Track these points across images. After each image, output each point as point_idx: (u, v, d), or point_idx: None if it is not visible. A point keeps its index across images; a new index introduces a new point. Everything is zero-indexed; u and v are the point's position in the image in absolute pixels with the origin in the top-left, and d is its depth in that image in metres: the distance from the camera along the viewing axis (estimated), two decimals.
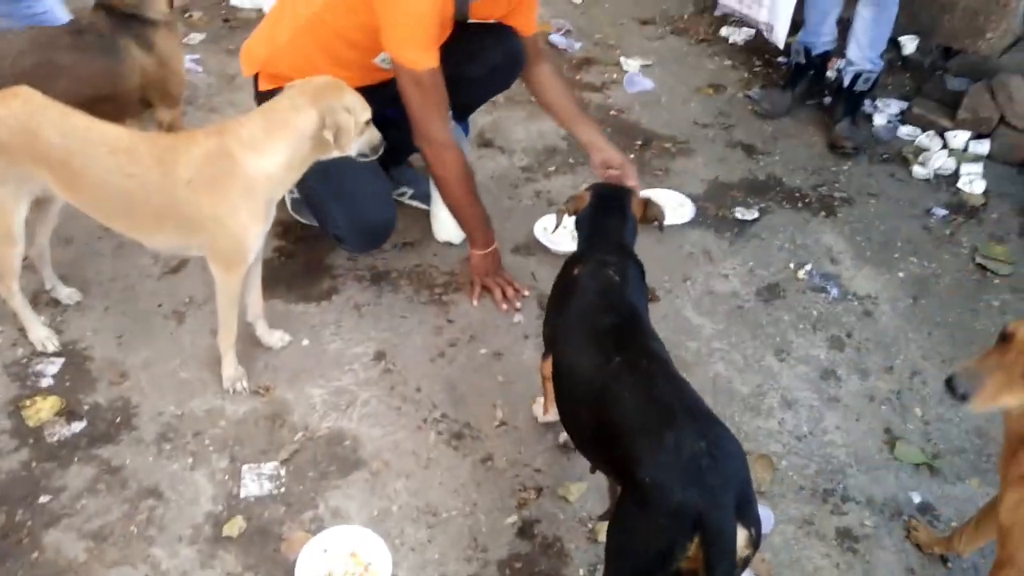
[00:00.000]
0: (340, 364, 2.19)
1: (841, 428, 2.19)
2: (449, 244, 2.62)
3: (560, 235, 2.16)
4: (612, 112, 3.37)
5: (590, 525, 1.89)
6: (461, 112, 2.52)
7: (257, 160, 1.79)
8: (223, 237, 1.84)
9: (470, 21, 2.23)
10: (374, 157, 1.96)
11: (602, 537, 1.79)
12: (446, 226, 2.60)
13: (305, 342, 2.24)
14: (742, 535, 1.30)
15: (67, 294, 2.24)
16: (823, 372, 2.35)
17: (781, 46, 3.33)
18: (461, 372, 2.22)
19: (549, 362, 1.72)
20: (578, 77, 3.56)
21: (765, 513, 1.91)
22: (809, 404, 2.24)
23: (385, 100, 2.46)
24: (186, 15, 3.69)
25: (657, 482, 1.30)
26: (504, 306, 2.37)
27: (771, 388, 2.28)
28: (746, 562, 1.33)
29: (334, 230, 2.32)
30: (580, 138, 2.42)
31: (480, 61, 2.33)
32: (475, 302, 2.38)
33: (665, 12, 4.11)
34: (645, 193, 2.53)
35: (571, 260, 1.77)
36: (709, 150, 3.20)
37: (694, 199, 2.88)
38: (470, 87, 2.35)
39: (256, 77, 2.27)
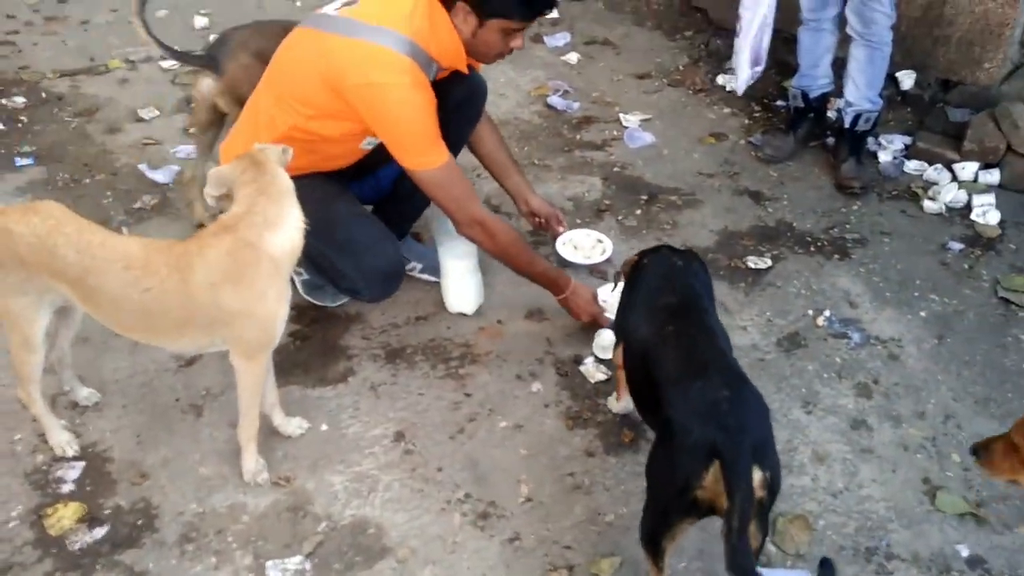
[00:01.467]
0: (360, 448, 2.16)
1: (877, 481, 2.12)
2: (462, 315, 2.60)
3: (615, 300, 2.22)
4: (615, 169, 3.37)
5: None
6: None
7: (277, 239, 1.81)
8: (251, 328, 1.85)
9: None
10: None
11: None
12: (457, 297, 2.59)
13: (324, 427, 2.21)
14: (757, 475, 1.45)
15: (85, 395, 2.24)
16: (853, 422, 2.29)
17: (739, 93, 3.44)
18: (482, 448, 2.18)
19: (621, 349, 1.95)
20: (578, 136, 3.58)
21: None
22: (842, 457, 2.18)
23: (377, 179, 2.52)
24: (191, 105, 3.76)
25: (679, 419, 1.53)
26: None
27: (801, 443, 2.22)
28: (762, 506, 1.48)
29: (346, 284, 2.34)
30: (508, 188, 2.62)
31: (444, 102, 2.34)
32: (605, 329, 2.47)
33: (660, 65, 4.14)
34: (565, 236, 2.81)
35: (642, 253, 2.02)
36: (716, 200, 3.19)
37: (704, 251, 2.86)
38: (443, 130, 2.37)
39: None
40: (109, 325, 1.92)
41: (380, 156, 2.49)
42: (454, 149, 2.52)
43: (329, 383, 2.36)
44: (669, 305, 1.79)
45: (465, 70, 2.28)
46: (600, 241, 2.85)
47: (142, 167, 3.26)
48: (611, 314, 2.49)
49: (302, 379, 2.37)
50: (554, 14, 4.45)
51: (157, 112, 3.70)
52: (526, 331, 2.57)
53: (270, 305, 1.84)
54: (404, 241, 2.70)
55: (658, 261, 1.95)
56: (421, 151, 2.12)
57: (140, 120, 3.65)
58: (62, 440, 2.09)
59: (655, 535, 1.61)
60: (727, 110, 3.77)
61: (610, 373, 2.39)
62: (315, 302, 2.62)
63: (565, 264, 2.72)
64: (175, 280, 1.78)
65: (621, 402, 2.24)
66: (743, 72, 3.27)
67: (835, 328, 2.60)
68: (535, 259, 2.40)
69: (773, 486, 1.50)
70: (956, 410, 2.32)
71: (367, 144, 2.27)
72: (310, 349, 2.48)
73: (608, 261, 2.79)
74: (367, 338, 2.53)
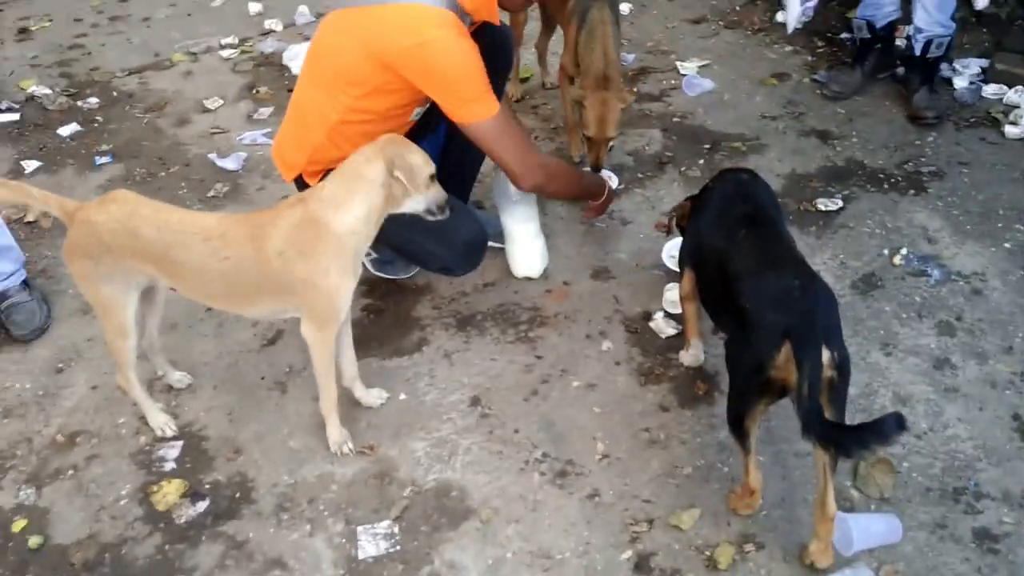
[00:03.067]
0: (438, 414, 2.22)
1: (964, 420, 2.06)
2: (528, 279, 2.62)
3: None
4: (675, 119, 3.31)
5: (707, 552, 1.84)
6: None
7: (342, 217, 1.88)
8: (317, 298, 1.93)
9: None
10: (441, 217, 2.00)
11: (722, 562, 1.80)
12: (523, 261, 2.61)
13: (402, 396, 2.28)
14: (826, 354, 1.56)
15: (178, 378, 2.36)
16: (936, 361, 2.23)
17: (788, 32, 3.31)
18: (557, 408, 2.21)
19: (686, 280, 2.12)
20: (636, 88, 3.52)
21: (892, 522, 1.82)
22: (925, 398, 2.13)
23: (437, 136, 2.54)
24: (253, 91, 3.86)
25: (754, 307, 1.67)
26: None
27: (881, 385, 2.18)
28: (833, 385, 1.58)
29: (437, 264, 2.39)
30: None
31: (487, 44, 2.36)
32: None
33: (715, 8, 4.03)
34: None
35: (704, 186, 2.18)
36: (781, 143, 3.10)
37: None
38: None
39: (299, 178, 2.34)
40: (193, 295, 2.02)
41: (434, 116, 2.50)
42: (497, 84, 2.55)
43: (405, 353, 2.42)
44: (742, 214, 1.91)
45: (496, 20, 2.27)
46: (610, 177, 2.87)
47: (212, 156, 3.37)
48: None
49: (378, 351, 2.44)
50: None
51: (221, 101, 3.80)
52: (592, 291, 2.57)
53: (332, 279, 1.91)
54: (466, 207, 2.71)
55: (726, 180, 2.11)
56: (476, 100, 2.07)
57: (206, 111, 3.75)
58: (160, 421, 2.22)
59: (738, 418, 1.73)
60: (788, 48, 3.66)
61: (680, 327, 2.37)
62: (386, 276, 2.67)
63: (624, 270, 2.65)
64: (250, 248, 1.87)
65: (691, 351, 2.25)
66: (794, 8, 3.15)
67: (913, 266, 2.52)
68: (582, 179, 2.52)
69: (843, 367, 1.60)
70: None
71: (416, 116, 2.29)
72: (384, 322, 2.54)
73: (616, 192, 2.85)
74: (437, 308, 2.57)
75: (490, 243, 2.68)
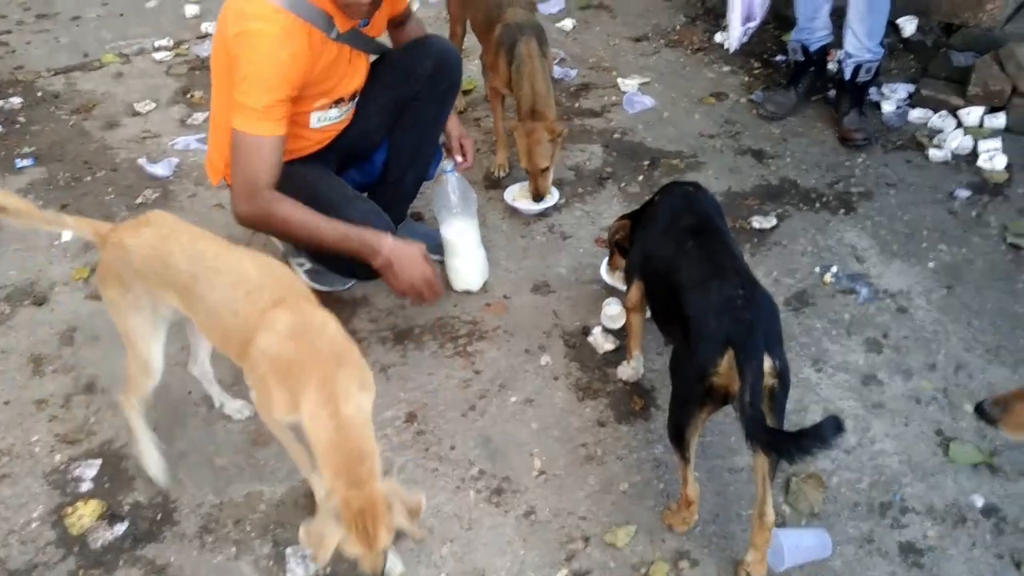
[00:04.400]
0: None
1: (890, 435, 2.11)
2: (468, 292, 2.59)
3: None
4: (615, 135, 3.33)
5: (642, 570, 1.83)
6: (430, 133, 2.52)
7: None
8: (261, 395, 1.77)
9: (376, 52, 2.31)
10: None
11: None
12: (462, 275, 2.58)
13: None
14: (768, 362, 1.58)
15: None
16: (864, 378, 2.27)
17: (732, 51, 3.41)
18: (494, 424, 2.18)
19: (633, 291, 2.10)
20: (577, 104, 3.53)
21: (822, 537, 1.84)
22: (853, 414, 2.17)
23: (372, 164, 2.52)
24: (187, 95, 3.74)
25: (698, 315, 1.68)
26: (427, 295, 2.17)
27: (812, 401, 2.21)
28: (774, 395, 1.60)
29: (344, 265, 2.30)
30: None
31: (412, 75, 2.38)
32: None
33: (657, 26, 4.07)
34: (512, 188, 2.89)
35: (649, 199, 2.18)
36: (719, 161, 3.14)
37: None
38: (420, 104, 2.41)
39: (226, 180, 2.30)
40: (205, 333, 1.86)
41: (368, 141, 2.51)
42: (429, 130, 2.51)
43: None
44: (689, 225, 1.92)
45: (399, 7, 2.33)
46: (550, 193, 2.85)
47: (141, 161, 3.25)
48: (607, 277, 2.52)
49: None
50: None
51: (153, 104, 3.68)
52: (532, 305, 2.56)
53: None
54: (404, 223, 2.68)
55: (673, 192, 2.12)
56: (243, 106, 1.93)
57: (137, 114, 3.63)
58: (154, 468, 2.00)
59: (679, 427, 1.73)
60: (726, 68, 3.71)
61: (619, 342, 2.37)
62: (321, 288, 2.61)
63: (564, 284, 2.61)
64: (255, 324, 1.66)
65: (632, 363, 2.25)
66: (735, 29, 3.22)
67: (843, 284, 2.57)
68: (325, 230, 2.06)
69: (783, 376, 1.61)
70: (967, 360, 2.30)
71: (319, 121, 2.23)
72: None
73: (556, 208, 2.82)
74: (374, 320, 2.52)
75: (433, 256, 2.67)
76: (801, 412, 2.18)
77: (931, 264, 2.62)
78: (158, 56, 4.07)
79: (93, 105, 3.68)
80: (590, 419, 2.19)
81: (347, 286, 2.59)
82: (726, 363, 1.59)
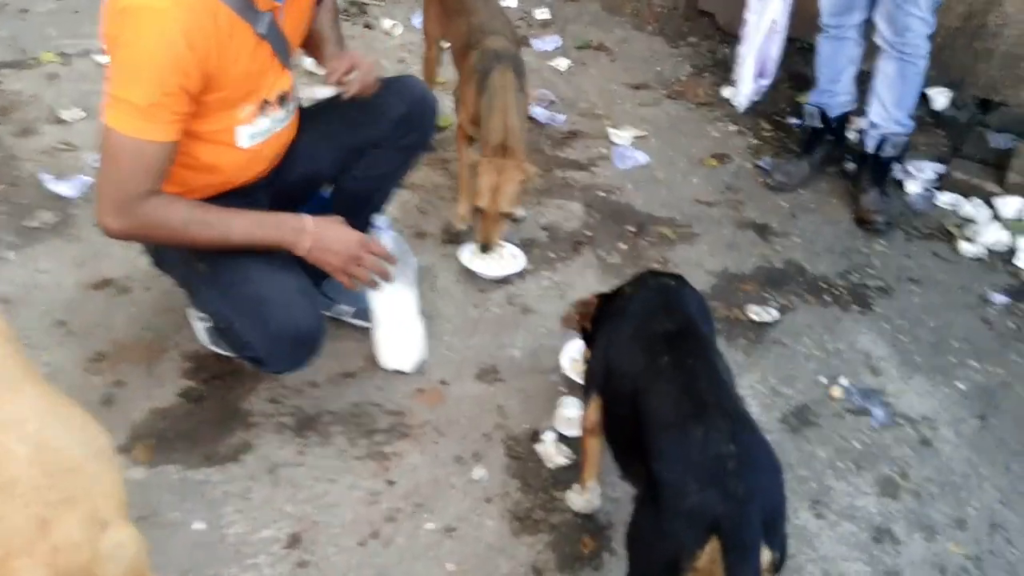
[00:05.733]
0: (241, 556, 1.68)
1: None
2: (398, 372, 2.14)
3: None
4: (600, 193, 2.91)
5: None
6: (384, 188, 2.15)
7: None
8: None
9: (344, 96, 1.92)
10: None
11: None
12: (393, 351, 2.13)
13: (197, 525, 1.73)
14: (766, 556, 1.20)
15: None
16: (875, 532, 1.81)
17: (740, 110, 3.10)
18: (399, 560, 1.70)
19: (592, 410, 1.63)
20: (561, 154, 3.12)
21: None
22: None
23: (285, 202, 2.07)
24: None
25: (672, 477, 1.24)
26: (379, 280, 1.86)
27: (808, 559, 1.74)
28: None
29: (248, 352, 1.86)
30: (319, 58, 2.02)
31: (380, 117, 2.01)
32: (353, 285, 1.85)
33: (660, 75, 3.68)
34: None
35: (620, 287, 1.75)
36: (716, 234, 2.73)
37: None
38: (380, 151, 2.02)
39: None
40: None
41: (312, 185, 2.12)
42: (384, 183, 2.15)
43: (218, 462, 1.89)
44: (665, 333, 1.52)
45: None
46: (514, 257, 2.49)
47: (46, 177, 2.79)
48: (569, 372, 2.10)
49: (184, 455, 1.89)
50: (545, 15, 4.05)
51: (83, 114, 3.23)
52: (475, 395, 2.10)
53: None
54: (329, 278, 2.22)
55: (647, 286, 1.71)
56: (115, 100, 1.55)
57: (60, 122, 3.18)
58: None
59: None
60: (732, 128, 3.31)
61: (574, 456, 1.91)
62: (220, 352, 2.14)
63: (515, 374, 2.18)
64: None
65: (585, 493, 1.79)
66: (745, 85, 2.92)
67: (854, 401, 2.12)
68: (232, 223, 1.70)
69: (780, 566, 1.25)
70: (1005, 518, 1.84)
71: (250, 139, 1.81)
72: (202, 414, 2.00)
73: (520, 275, 2.45)
74: (276, 401, 2.05)
75: (359, 323, 2.24)
76: (796, 572, 1.70)
77: (961, 385, 2.18)
78: (103, 59, 3.63)
79: (13, 107, 3.22)
80: (524, 562, 1.71)
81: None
82: (707, 556, 1.17)
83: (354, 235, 1.80)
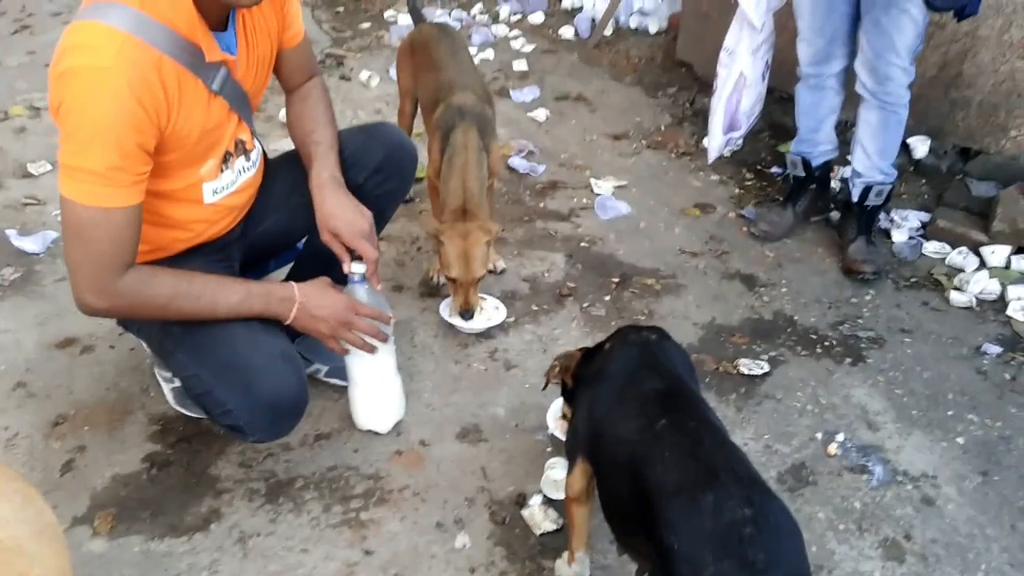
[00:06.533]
0: None
1: None
2: (375, 434, 2.04)
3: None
4: (583, 243, 2.86)
5: None
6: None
7: None
8: None
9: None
10: None
11: None
12: (369, 411, 2.04)
13: None
14: None
15: None
16: None
17: (709, 161, 3.10)
18: None
19: (577, 475, 1.55)
20: (541, 204, 3.09)
21: None
22: None
23: (259, 256, 2.06)
24: None
25: (686, 549, 1.17)
26: (372, 341, 1.84)
27: None
28: None
29: (227, 420, 1.75)
30: (306, 162, 1.91)
31: (357, 166, 1.96)
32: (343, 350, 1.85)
33: (639, 125, 3.68)
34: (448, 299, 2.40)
35: (601, 342, 1.66)
36: (701, 284, 2.67)
37: (687, 350, 2.30)
38: (365, 195, 1.93)
39: None
40: None
41: (284, 240, 2.08)
42: (384, 214, 2.11)
43: (184, 532, 1.77)
44: (655, 391, 1.46)
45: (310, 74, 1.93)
46: (496, 309, 2.45)
47: (10, 232, 2.70)
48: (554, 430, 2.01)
49: (148, 525, 1.78)
50: (523, 66, 4.07)
51: (50, 167, 3.16)
52: (456, 457, 2.01)
53: None
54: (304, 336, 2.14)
55: (628, 342, 1.62)
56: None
57: (28, 175, 3.12)
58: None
59: None
60: (714, 177, 3.29)
61: (562, 522, 1.81)
62: (188, 414, 2.05)
63: (499, 432, 2.10)
64: None
65: (574, 565, 1.68)
66: (715, 138, 2.90)
67: (851, 459, 2.04)
68: (218, 297, 1.65)
69: None
70: None
71: (213, 194, 1.74)
72: (169, 480, 1.90)
73: (503, 328, 2.41)
74: (247, 465, 1.95)
75: (333, 381, 2.17)
76: None
77: (960, 439, 2.11)
78: None
79: None
80: None
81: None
82: None
83: (341, 299, 1.77)
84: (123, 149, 1.46)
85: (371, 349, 1.85)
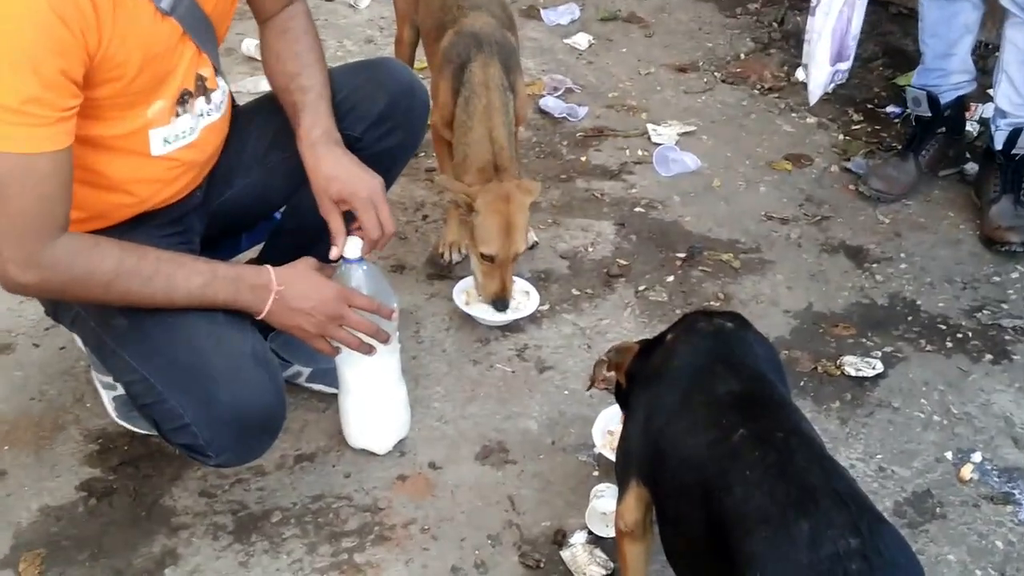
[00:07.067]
0: None
1: None
2: (370, 454, 2.14)
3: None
4: (638, 208, 2.97)
5: None
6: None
7: None
8: None
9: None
10: None
11: None
12: (363, 427, 2.13)
13: None
14: None
15: None
16: None
17: (810, 102, 3.19)
18: None
19: (630, 504, 1.65)
20: (583, 158, 3.20)
21: None
22: None
23: (228, 228, 2.16)
24: None
25: None
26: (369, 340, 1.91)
27: None
28: None
29: (183, 438, 1.82)
30: (303, 138, 1.94)
31: (353, 116, 2.04)
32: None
33: (711, 53, 3.83)
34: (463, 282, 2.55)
35: (662, 333, 1.75)
36: (794, 260, 2.78)
37: (777, 342, 2.39)
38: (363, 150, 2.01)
39: None
40: None
41: (262, 207, 2.17)
42: (388, 174, 2.14)
43: None
44: (731, 396, 1.51)
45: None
46: (526, 295, 2.55)
47: None
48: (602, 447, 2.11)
49: (88, 571, 1.89)
50: None
51: None
52: (476, 483, 2.10)
53: None
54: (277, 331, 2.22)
55: (695, 330, 1.69)
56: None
57: None
58: None
59: None
60: (811, 120, 3.41)
61: (613, 566, 1.90)
62: (134, 429, 2.15)
63: (528, 453, 2.20)
64: None
65: None
66: (819, 71, 3.02)
67: (992, 485, 2.12)
68: (176, 278, 1.71)
69: None
70: None
71: (163, 144, 1.80)
72: (111, 514, 2.00)
73: (534, 318, 2.50)
74: (209, 494, 2.05)
75: (318, 387, 2.29)
76: None
77: None
78: None
79: None
80: None
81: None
82: None
83: (331, 288, 1.83)
84: (43, 77, 1.51)
85: (368, 350, 1.92)
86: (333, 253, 1.90)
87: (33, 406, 2.20)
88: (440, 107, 2.56)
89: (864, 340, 2.49)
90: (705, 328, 1.68)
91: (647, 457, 1.60)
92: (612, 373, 1.82)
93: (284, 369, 2.22)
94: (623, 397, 1.81)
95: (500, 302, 2.40)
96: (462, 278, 2.56)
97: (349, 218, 1.95)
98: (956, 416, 2.27)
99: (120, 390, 2.10)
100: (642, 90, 3.55)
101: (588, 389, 1.89)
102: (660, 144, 3.23)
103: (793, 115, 3.40)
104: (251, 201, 2.11)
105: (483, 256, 2.38)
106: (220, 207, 2.06)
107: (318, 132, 1.91)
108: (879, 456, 2.18)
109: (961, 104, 3.01)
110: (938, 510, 2.05)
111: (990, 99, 2.88)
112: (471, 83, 2.44)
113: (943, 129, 3.01)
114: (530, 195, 2.39)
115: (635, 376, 1.75)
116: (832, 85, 3.22)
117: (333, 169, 1.89)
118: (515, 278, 2.53)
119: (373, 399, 2.10)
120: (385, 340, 1.95)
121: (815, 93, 3.14)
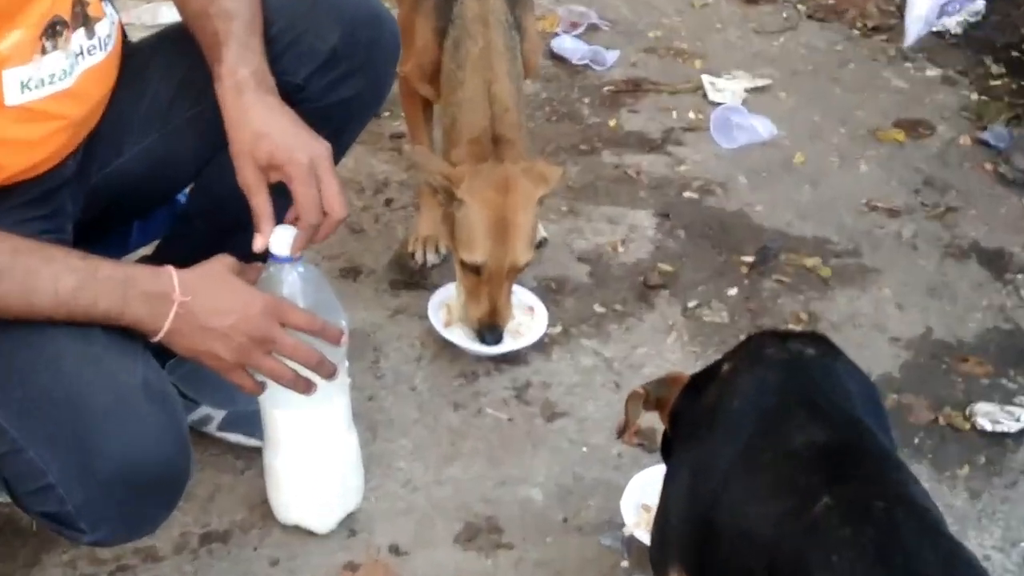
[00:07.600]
0: None
1: None
2: (307, 533, 2.14)
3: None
4: (687, 193, 3.03)
5: None
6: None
7: None
8: None
9: None
10: None
11: None
12: (300, 494, 2.14)
13: None
14: None
15: None
16: None
17: (906, 43, 3.34)
18: None
19: None
20: (612, 122, 3.27)
21: None
22: None
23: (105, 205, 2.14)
24: None
25: None
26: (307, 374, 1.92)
27: None
28: None
29: (46, 504, 1.81)
30: (223, 79, 1.93)
31: (291, 56, 2.05)
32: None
33: None
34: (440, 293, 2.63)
35: (718, 362, 1.81)
36: (907, 268, 2.84)
37: (882, 381, 2.43)
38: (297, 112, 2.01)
39: None
40: None
41: (166, 181, 2.20)
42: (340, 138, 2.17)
43: None
44: (816, 448, 1.56)
45: None
46: (531, 311, 2.62)
47: None
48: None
49: None
50: None
51: None
52: (454, 573, 2.10)
53: None
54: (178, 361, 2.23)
55: (763, 358, 1.74)
56: None
57: None
58: None
59: None
60: (932, 72, 3.49)
61: None
62: None
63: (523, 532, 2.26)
64: None
65: None
66: (919, 4, 3.01)
67: None
68: (39, 276, 1.73)
69: None
70: None
71: (22, 91, 1.79)
72: None
73: (539, 344, 2.57)
74: None
75: (235, 438, 2.33)
76: None
77: None
78: None
79: None
80: None
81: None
82: None
83: (256, 298, 1.83)
84: None
85: (307, 387, 1.91)
86: (257, 244, 1.89)
87: None
88: (417, 52, 2.60)
89: (1005, 381, 2.53)
90: (777, 356, 1.70)
91: (694, 534, 1.61)
92: (652, 413, 1.84)
93: (189, 412, 2.22)
94: (666, 448, 1.83)
95: (489, 331, 2.40)
96: (440, 287, 2.56)
97: (282, 198, 1.94)
98: None
99: None
100: (696, 28, 3.65)
101: (619, 437, 1.90)
102: (720, 104, 3.27)
103: (907, 65, 3.49)
104: (147, 174, 2.11)
105: (466, 265, 2.39)
106: (104, 181, 2.06)
107: (245, 72, 1.89)
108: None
109: None
110: None
111: None
112: (463, 19, 2.49)
113: None
114: (543, 185, 2.40)
115: (681, 419, 1.76)
116: (937, 22, 3.30)
117: (263, 123, 1.87)
118: (516, 288, 2.54)
119: (312, 456, 2.10)
120: (330, 374, 1.93)
121: (912, 30, 3.22)
